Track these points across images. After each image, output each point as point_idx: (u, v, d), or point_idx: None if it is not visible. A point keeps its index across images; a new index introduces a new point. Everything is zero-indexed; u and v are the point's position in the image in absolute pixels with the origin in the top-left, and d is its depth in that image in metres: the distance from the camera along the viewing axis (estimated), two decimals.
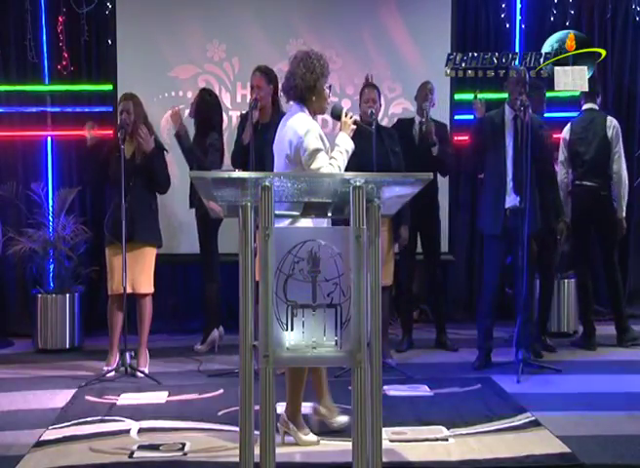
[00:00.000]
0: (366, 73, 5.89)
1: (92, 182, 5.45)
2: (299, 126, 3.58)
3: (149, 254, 5.19)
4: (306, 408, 3.93)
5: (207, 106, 5.74)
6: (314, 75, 3.60)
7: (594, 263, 6.62)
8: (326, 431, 3.84)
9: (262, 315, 2.69)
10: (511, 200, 5.15)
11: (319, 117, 3.87)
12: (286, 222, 3.40)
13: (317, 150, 3.53)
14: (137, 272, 5.10)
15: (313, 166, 3.52)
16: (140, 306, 5.22)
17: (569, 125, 6.05)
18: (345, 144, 3.61)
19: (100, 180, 5.27)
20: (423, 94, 5.79)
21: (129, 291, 5.07)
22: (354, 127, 3.72)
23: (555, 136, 5.99)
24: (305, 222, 3.41)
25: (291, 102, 3.75)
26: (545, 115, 5.94)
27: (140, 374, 5.07)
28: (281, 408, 4.01)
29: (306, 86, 3.61)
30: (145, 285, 5.18)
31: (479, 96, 5.89)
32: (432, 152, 5.63)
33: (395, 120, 6.30)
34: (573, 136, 5.97)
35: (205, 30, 6.65)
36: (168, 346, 6.09)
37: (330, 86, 3.73)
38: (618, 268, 6.10)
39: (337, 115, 3.79)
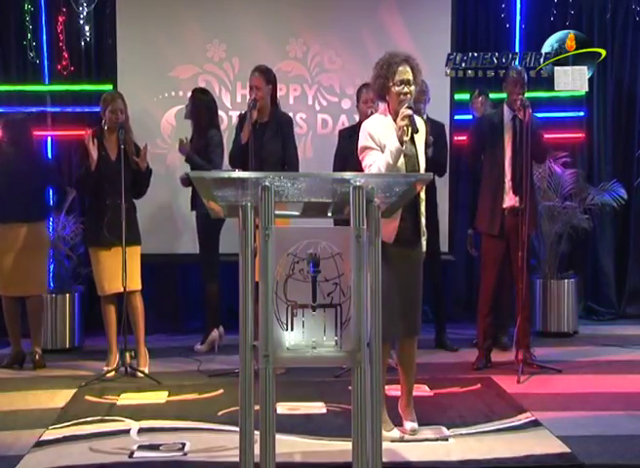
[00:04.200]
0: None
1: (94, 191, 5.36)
2: (363, 126, 3.80)
3: (137, 253, 5.25)
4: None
5: (202, 105, 5.79)
6: (379, 80, 3.77)
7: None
8: None
9: (262, 315, 2.69)
10: (509, 200, 5.16)
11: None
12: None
13: (364, 148, 3.75)
14: (129, 271, 5.11)
15: (363, 163, 3.76)
16: (134, 303, 5.22)
17: None
18: (390, 145, 3.67)
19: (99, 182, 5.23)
20: (416, 95, 5.74)
21: (122, 290, 5.08)
22: (403, 124, 3.64)
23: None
24: None
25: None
26: (546, 115, 5.94)
27: (139, 374, 5.08)
28: (281, 408, 4.02)
29: (377, 92, 3.84)
30: (137, 282, 5.24)
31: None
32: (426, 154, 5.60)
33: None
34: None
35: (205, 30, 6.64)
36: (168, 346, 6.09)
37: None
38: None
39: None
